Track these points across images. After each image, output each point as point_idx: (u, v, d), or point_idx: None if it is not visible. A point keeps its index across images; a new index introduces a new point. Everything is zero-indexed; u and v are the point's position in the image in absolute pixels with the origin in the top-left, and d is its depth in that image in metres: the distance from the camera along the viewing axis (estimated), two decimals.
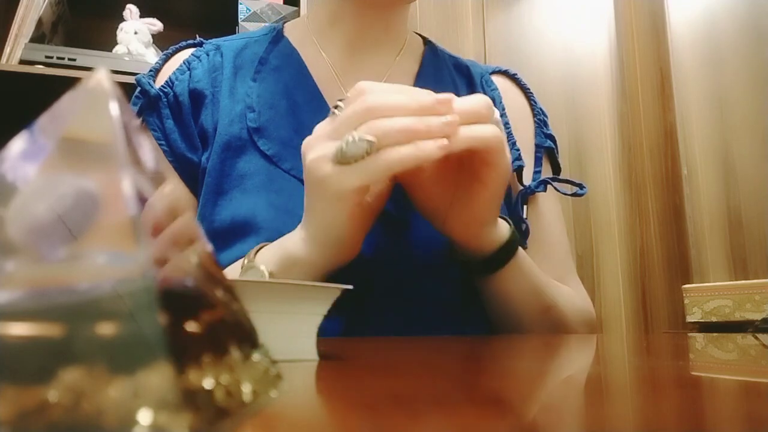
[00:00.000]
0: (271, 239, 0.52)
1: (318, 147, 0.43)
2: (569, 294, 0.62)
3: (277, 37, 0.66)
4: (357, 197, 0.43)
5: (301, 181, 0.56)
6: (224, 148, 0.58)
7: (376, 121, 0.40)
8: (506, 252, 0.51)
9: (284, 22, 0.69)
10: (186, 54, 0.65)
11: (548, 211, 0.66)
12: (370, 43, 0.64)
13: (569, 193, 0.62)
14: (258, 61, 0.63)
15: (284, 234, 0.52)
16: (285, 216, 0.53)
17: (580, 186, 0.61)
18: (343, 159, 0.41)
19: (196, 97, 0.60)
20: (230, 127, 0.58)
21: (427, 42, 0.70)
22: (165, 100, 0.60)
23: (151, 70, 0.64)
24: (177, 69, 0.62)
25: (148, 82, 0.61)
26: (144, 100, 0.60)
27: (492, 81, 0.70)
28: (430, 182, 0.47)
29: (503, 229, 0.51)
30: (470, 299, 0.57)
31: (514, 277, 0.52)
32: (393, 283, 0.54)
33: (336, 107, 0.45)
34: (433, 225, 0.50)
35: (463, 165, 0.46)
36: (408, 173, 0.46)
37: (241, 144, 0.58)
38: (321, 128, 0.45)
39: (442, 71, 0.67)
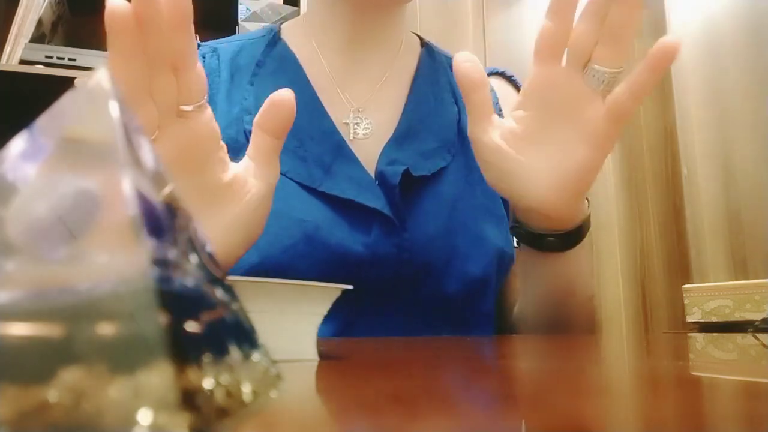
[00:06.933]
0: (268, 242, 0.52)
1: None
2: None
3: (273, 39, 0.65)
4: None
5: (297, 183, 0.56)
6: None
7: None
8: (587, 226, 0.48)
9: (281, 23, 0.69)
10: None
11: None
12: (367, 45, 0.64)
13: None
14: (255, 64, 0.62)
15: (281, 237, 0.52)
16: (282, 219, 0.53)
17: None
18: None
19: None
20: (227, 130, 0.58)
21: (423, 43, 0.70)
22: None
23: None
24: None
25: None
26: None
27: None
28: (532, 137, 0.44)
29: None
30: (472, 299, 0.57)
31: (579, 255, 0.50)
32: (391, 284, 0.54)
33: None
34: (520, 192, 0.45)
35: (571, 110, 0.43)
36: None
37: (238, 147, 0.57)
38: None
39: (438, 72, 0.67)
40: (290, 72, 0.62)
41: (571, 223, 0.47)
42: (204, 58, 0.63)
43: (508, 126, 0.45)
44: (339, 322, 0.52)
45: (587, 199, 0.49)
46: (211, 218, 0.41)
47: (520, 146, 0.44)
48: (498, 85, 0.70)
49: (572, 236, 0.48)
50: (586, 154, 0.43)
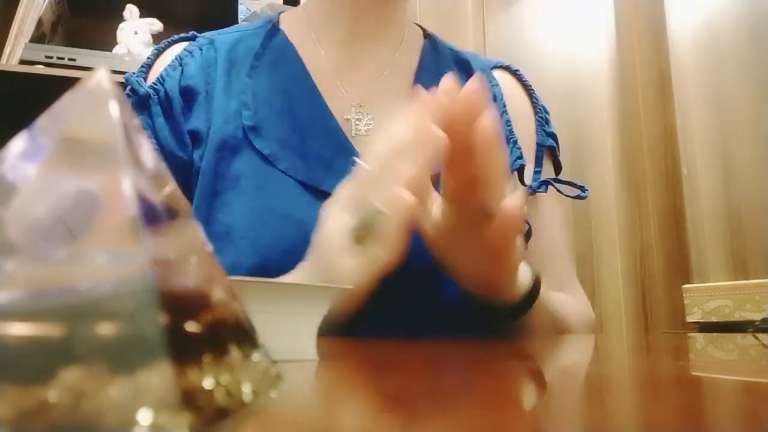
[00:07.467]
0: (266, 243, 0.51)
1: (336, 217, 0.43)
2: (574, 307, 0.61)
3: (272, 30, 0.64)
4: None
5: (298, 182, 0.55)
6: (219, 148, 0.56)
7: (390, 190, 0.40)
8: (532, 295, 0.49)
9: (279, 13, 0.68)
10: (178, 49, 0.63)
11: (549, 212, 0.66)
12: (368, 37, 0.63)
13: (572, 195, 0.61)
14: (253, 56, 0.61)
15: (281, 239, 0.52)
16: (280, 219, 0.53)
17: (582, 189, 0.60)
18: (360, 235, 0.41)
19: (188, 95, 0.59)
20: (225, 126, 0.57)
21: (427, 35, 0.69)
22: (156, 97, 0.58)
23: (142, 67, 0.62)
24: (169, 65, 0.60)
25: (137, 81, 0.59)
26: (134, 98, 0.58)
27: (493, 76, 0.68)
28: (453, 245, 0.46)
29: (525, 273, 0.49)
30: (472, 304, 0.57)
31: (537, 312, 0.51)
32: (392, 288, 0.54)
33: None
34: (452, 277, 0.48)
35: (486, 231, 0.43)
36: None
37: (236, 143, 0.57)
38: (341, 192, 0.44)
39: (441, 66, 0.65)
40: (289, 64, 0.61)
41: (514, 299, 0.48)
42: (201, 50, 0.62)
43: (436, 221, 0.46)
44: (338, 327, 0.52)
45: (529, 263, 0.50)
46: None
47: (443, 241, 0.46)
48: (503, 78, 0.69)
49: (519, 307, 0.49)
50: (488, 267, 0.45)
